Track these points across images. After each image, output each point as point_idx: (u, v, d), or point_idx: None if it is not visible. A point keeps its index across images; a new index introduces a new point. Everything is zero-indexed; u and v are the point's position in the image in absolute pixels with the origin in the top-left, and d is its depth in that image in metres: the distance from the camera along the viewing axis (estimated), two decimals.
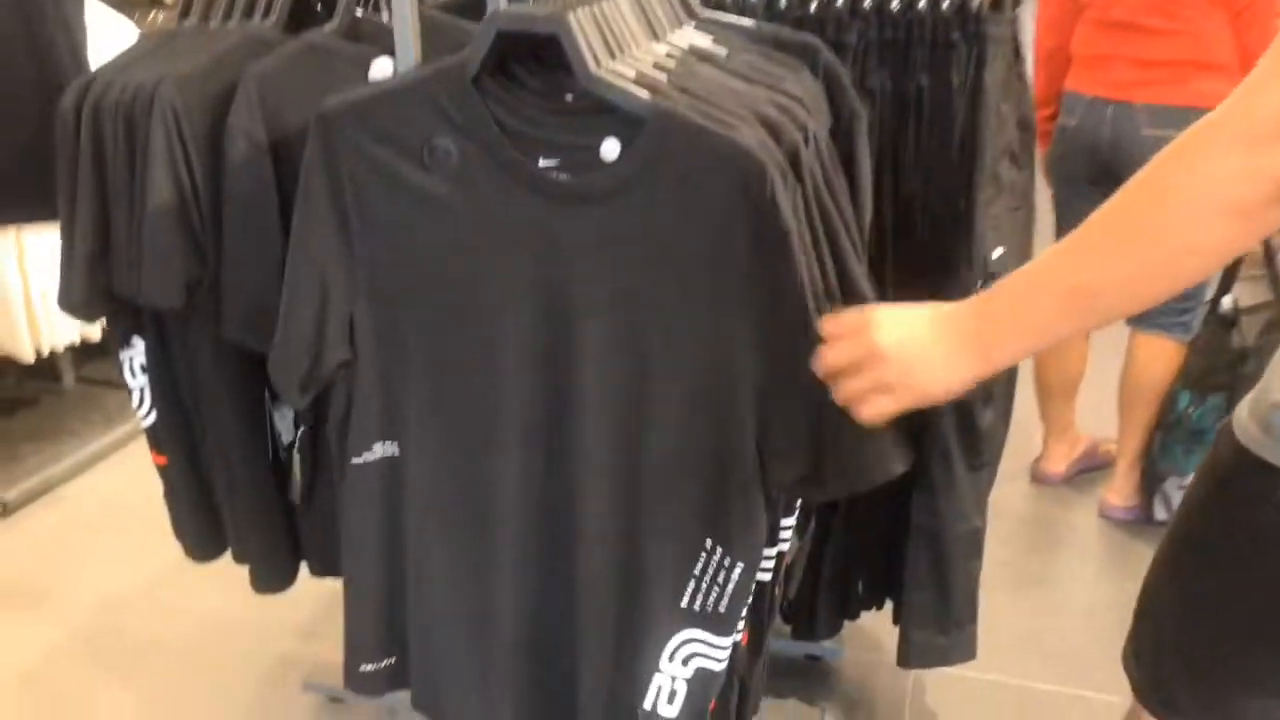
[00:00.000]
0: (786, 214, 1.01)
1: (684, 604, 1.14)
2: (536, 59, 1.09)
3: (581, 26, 1.03)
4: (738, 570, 1.13)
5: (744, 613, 1.17)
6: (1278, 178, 0.76)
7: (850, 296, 1.11)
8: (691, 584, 1.14)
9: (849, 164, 1.28)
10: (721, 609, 1.14)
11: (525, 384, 1.12)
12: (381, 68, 1.29)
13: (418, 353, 1.14)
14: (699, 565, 1.13)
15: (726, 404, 1.07)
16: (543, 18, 1.03)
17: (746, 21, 1.35)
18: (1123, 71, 2.26)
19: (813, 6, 1.41)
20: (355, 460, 1.18)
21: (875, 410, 0.95)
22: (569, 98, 1.08)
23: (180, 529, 1.61)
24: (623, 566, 1.15)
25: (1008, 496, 1.47)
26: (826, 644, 1.81)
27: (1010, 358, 0.94)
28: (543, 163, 1.05)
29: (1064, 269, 0.88)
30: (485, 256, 1.09)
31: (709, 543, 1.12)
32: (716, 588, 1.13)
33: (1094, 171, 2.29)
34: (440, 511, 1.19)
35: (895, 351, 0.93)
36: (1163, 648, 1.10)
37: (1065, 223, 2.40)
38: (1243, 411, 0.99)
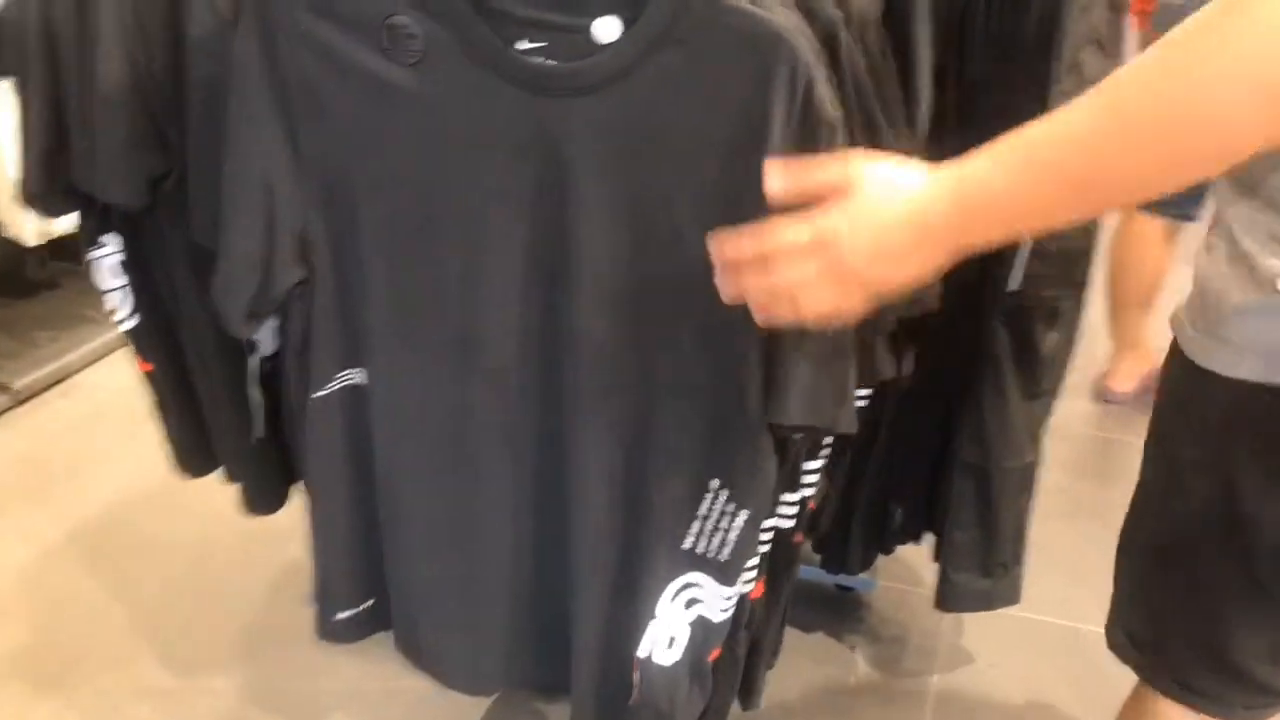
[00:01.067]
0: (828, 110, 0.85)
1: (686, 545, 1.05)
2: None
3: None
4: (741, 517, 1.03)
5: (749, 564, 1.08)
6: None
7: None
8: (696, 525, 1.04)
9: (903, 47, 1.09)
10: (724, 557, 1.05)
11: (512, 302, 0.98)
12: None
13: (382, 269, 1.00)
14: (704, 505, 1.03)
15: (734, 328, 0.93)
16: None
17: None
18: None
19: None
20: (316, 394, 1.05)
21: (813, 306, 0.79)
22: None
23: (169, 441, 1.52)
24: (624, 503, 1.05)
25: (1067, 417, 1.31)
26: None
27: (984, 247, 0.77)
28: (525, 45, 0.88)
29: (1075, 156, 0.72)
30: (457, 158, 0.92)
31: (714, 483, 1.02)
32: (720, 533, 1.04)
33: None
34: (416, 445, 1.07)
35: (848, 233, 0.75)
36: (1154, 611, 0.97)
37: None
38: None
